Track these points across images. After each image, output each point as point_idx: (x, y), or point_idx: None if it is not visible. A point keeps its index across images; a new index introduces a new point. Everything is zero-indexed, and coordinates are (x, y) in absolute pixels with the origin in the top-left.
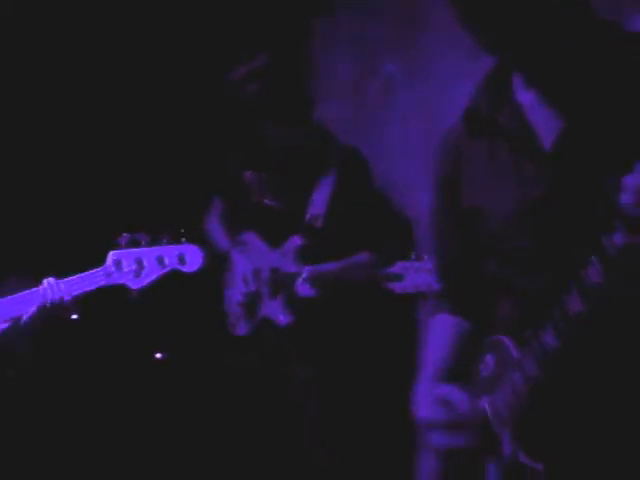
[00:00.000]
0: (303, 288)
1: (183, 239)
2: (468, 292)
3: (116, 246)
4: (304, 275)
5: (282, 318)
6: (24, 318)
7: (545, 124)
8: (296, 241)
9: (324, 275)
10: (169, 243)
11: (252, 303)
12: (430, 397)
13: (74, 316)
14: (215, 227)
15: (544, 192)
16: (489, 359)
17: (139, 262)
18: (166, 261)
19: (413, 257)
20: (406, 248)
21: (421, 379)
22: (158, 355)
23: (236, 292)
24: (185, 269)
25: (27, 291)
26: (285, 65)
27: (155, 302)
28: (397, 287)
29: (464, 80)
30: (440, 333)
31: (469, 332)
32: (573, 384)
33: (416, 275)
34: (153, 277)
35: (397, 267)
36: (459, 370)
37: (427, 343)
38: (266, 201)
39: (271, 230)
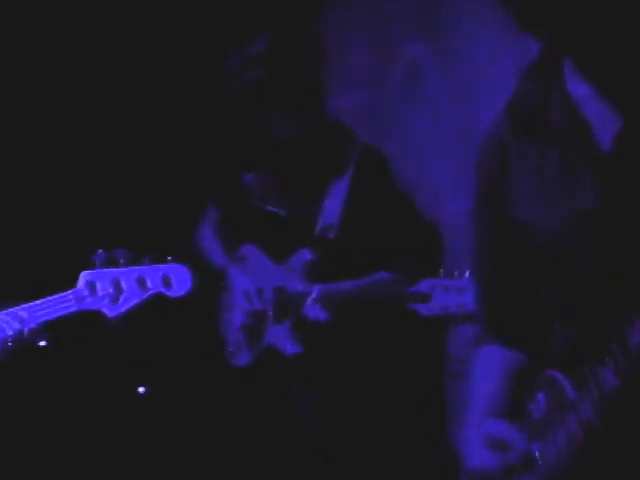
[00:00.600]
0: (313, 310)
1: (169, 257)
2: (515, 319)
3: (89, 265)
4: (314, 295)
5: (289, 347)
6: None
7: (603, 121)
8: (305, 255)
9: (337, 295)
10: (152, 262)
11: (256, 327)
12: (480, 439)
13: (42, 343)
14: (209, 240)
15: (602, 202)
16: (541, 398)
17: (116, 284)
18: (148, 283)
19: (442, 273)
20: (435, 263)
21: (468, 424)
22: (141, 389)
23: (237, 314)
24: (171, 293)
25: None
26: (291, 48)
27: (136, 330)
28: (422, 309)
29: (503, 64)
30: (487, 369)
31: (522, 367)
32: (635, 432)
33: (445, 295)
34: (133, 302)
35: (423, 285)
36: (512, 413)
37: (472, 381)
38: (269, 208)
39: (275, 242)
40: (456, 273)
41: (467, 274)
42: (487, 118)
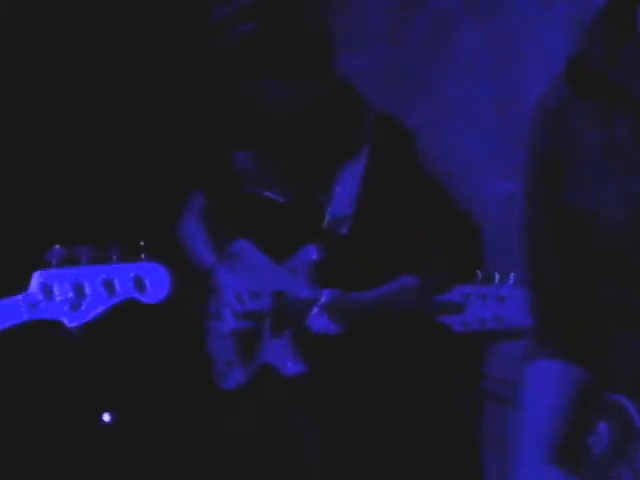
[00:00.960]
0: (319, 321)
1: (142, 254)
2: (576, 329)
3: (44, 264)
4: (322, 302)
5: (290, 366)
6: None
7: None
8: (310, 254)
9: (350, 303)
10: (121, 260)
11: (250, 336)
12: None
13: None
14: (194, 233)
15: None
16: (603, 429)
17: (78, 288)
18: (117, 287)
19: (479, 278)
20: (471, 264)
21: (524, 460)
22: (106, 417)
23: (227, 318)
24: (145, 298)
25: None
26: None
27: (102, 345)
28: (455, 322)
29: (556, 12)
30: (543, 389)
31: (585, 385)
32: None
33: (482, 304)
34: (98, 310)
35: (455, 293)
36: (576, 442)
37: (525, 404)
38: (267, 194)
39: (275, 237)
40: (497, 277)
41: (512, 278)
42: (537, 80)
